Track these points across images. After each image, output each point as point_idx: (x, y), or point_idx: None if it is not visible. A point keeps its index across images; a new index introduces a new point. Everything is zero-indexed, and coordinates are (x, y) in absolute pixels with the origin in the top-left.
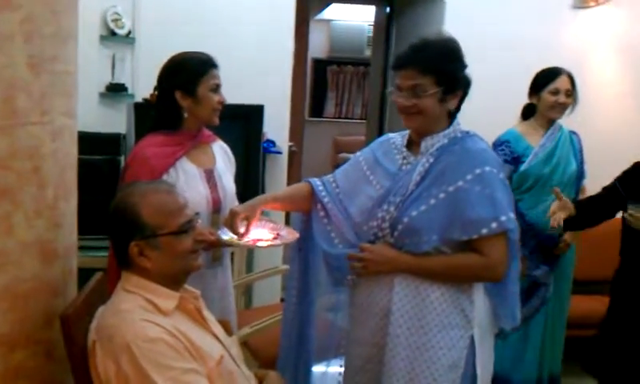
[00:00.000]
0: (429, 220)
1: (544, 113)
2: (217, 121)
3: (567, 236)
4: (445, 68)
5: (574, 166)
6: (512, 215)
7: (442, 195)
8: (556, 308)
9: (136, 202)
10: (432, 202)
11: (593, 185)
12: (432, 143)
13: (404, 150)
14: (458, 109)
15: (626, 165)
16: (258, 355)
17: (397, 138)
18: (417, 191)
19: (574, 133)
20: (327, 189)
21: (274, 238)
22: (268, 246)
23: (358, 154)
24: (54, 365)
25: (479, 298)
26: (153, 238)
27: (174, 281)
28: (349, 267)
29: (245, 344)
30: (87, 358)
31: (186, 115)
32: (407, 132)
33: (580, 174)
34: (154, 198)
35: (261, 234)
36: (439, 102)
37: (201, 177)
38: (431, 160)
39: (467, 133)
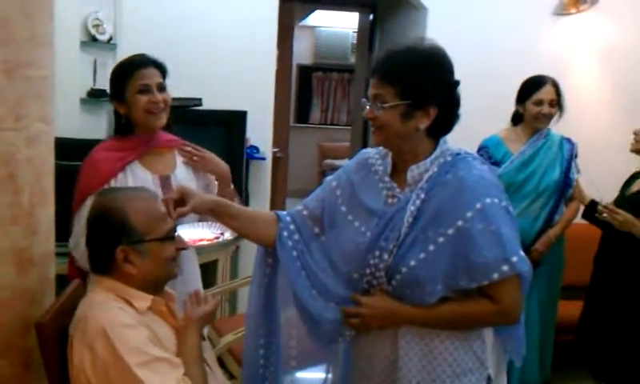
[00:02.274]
0: (430, 269)
1: (529, 122)
2: (157, 122)
3: (539, 245)
4: (408, 79)
5: (555, 175)
6: (522, 253)
7: (441, 239)
8: (533, 315)
9: (122, 207)
10: (431, 247)
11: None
12: (419, 173)
13: (387, 180)
14: (445, 130)
15: (606, 170)
16: (241, 362)
17: (376, 159)
18: (411, 235)
19: (568, 140)
20: (301, 230)
21: (216, 238)
22: (208, 245)
23: (332, 178)
24: (31, 373)
25: (489, 336)
26: (140, 244)
27: (154, 287)
28: (343, 324)
29: (229, 351)
30: (64, 366)
31: (123, 121)
32: (387, 152)
33: (565, 183)
34: (141, 203)
35: (202, 233)
36: (402, 118)
37: (154, 183)
38: (422, 196)
39: (458, 154)
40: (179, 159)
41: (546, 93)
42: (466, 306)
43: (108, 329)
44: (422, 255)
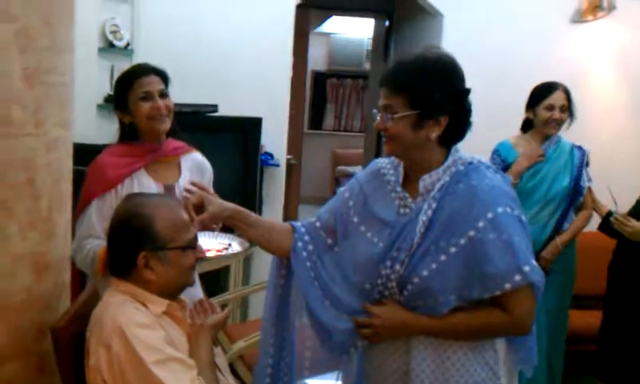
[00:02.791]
0: (442, 279)
1: (539, 128)
2: (160, 126)
3: (546, 253)
4: (418, 88)
5: (565, 183)
6: (534, 263)
7: (453, 249)
8: (542, 324)
9: (150, 214)
10: (442, 258)
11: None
12: (431, 182)
13: (399, 189)
14: (457, 138)
15: (620, 178)
16: (253, 369)
17: (388, 169)
18: (423, 245)
19: (579, 147)
20: (314, 241)
21: (224, 249)
22: (215, 257)
23: (344, 189)
24: (46, 377)
25: (501, 346)
26: (162, 251)
27: (171, 294)
28: (355, 334)
29: (240, 357)
30: (79, 370)
31: (126, 130)
32: (400, 162)
33: (575, 191)
34: (167, 211)
35: (210, 244)
36: (413, 128)
37: (158, 192)
38: (434, 205)
39: (470, 163)
40: (185, 167)
41: (557, 98)
42: (478, 317)
43: (125, 327)
44: (434, 265)
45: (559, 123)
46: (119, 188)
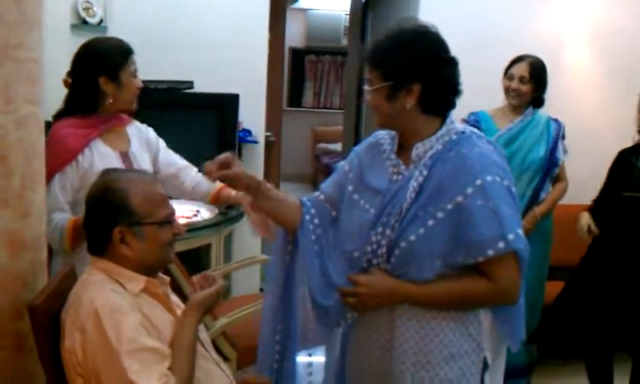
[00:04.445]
0: (429, 244)
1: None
2: (136, 105)
3: (525, 222)
4: (387, 61)
5: (540, 153)
6: (520, 231)
7: (440, 215)
8: (534, 294)
9: (124, 188)
10: (430, 222)
11: (567, 174)
12: (424, 150)
13: (393, 157)
14: (442, 106)
15: (598, 152)
16: (236, 345)
17: (386, 140)
18: (412, 210)
19: (555, 120)
20: (320, 215)
21: (194, 215)
22: (187, 224)
23: (344, 163)
24: (24, 356)
25: (487, 319)
26: (138, 226)
27: (149, 271)
28: (342, 305)
29: (223, 334)
30: (57, 348)
31: (110, 100)
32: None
33: (550, 162)
34: (142, 186)
35: (179, 210)
36: (387, 99)
37: (116, 158)
38: (425, 172)
39: (463, 133)
40: (132, 135)
41: (518, 69)
42: (463, 284)
43: (100, 311)
44: (422, 230)
45: (518, 93)
46: (79, 158)
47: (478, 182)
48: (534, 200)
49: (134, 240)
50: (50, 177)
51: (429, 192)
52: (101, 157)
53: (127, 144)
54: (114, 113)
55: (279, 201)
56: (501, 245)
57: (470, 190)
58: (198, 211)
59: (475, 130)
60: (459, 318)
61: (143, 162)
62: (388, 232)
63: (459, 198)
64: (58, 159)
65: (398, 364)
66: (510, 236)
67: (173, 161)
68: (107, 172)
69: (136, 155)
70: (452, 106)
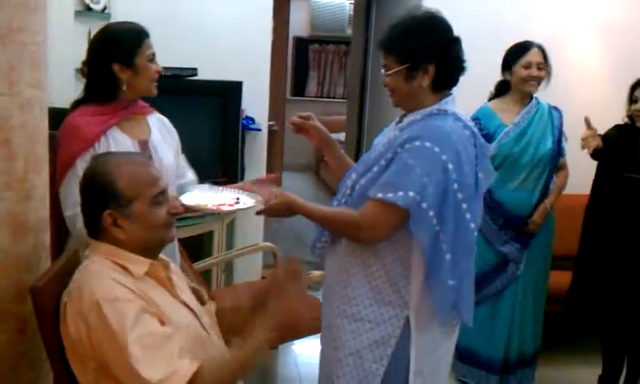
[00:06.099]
0: (368, 184)
1: (518, 87)
2: (155, 91)
3: (536, 217)
4: (403, 46)
5: (548, 145)
6: (413, 194)
7: (382, 162)
8: (529, 286)
9: (111, 171)
10: (375, 168)
11: (569, 163)
12: (409, 120)
13: (393, 126)
14: (448, 83)
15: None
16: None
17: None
18: (373, 162)
19: (555, 108)
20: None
21: (235, 203)
22: (229, 211)
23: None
24: (27, 339)
25: (418, 280)
26: (127, 208)
27: (146, 252)
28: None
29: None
30: (59, 328)
31: (124, 87)
32: None
33: (557, 152)
34: (129, 168)
35: (223, 198)
36: (406, 80)
37: (134, 147)
38: (397, 133)
39: (445, 112)
40: (152, 125)
41: (533, 55)
42: (336, 210)
43: (102, 302)
44: (369, 174)
45: (538, 81)
46: (96, 146)
47: (417, 143)
48: (545, 193)
49: (125, 222)
50: (70, 164)
51: (388, 146)
52: (117, 145)
53: (147, 133)
54: (132, 100)
55: (344, 164)
56: (379, 194)
57: (407, 146)
58: (237, 199)
59: (461, 113)
60: (390, 267)
61: (163, 153)
62: (354, 176)
63: (398, 149)
64: (76, 146)
65: (328, 293)
66: (400, 193)
67: (182, 172)
68: (96, 157)
69: (156, 146)
70: (457, 83)
